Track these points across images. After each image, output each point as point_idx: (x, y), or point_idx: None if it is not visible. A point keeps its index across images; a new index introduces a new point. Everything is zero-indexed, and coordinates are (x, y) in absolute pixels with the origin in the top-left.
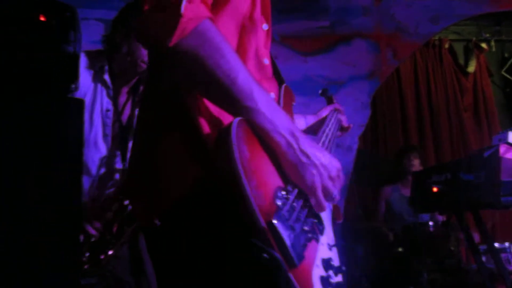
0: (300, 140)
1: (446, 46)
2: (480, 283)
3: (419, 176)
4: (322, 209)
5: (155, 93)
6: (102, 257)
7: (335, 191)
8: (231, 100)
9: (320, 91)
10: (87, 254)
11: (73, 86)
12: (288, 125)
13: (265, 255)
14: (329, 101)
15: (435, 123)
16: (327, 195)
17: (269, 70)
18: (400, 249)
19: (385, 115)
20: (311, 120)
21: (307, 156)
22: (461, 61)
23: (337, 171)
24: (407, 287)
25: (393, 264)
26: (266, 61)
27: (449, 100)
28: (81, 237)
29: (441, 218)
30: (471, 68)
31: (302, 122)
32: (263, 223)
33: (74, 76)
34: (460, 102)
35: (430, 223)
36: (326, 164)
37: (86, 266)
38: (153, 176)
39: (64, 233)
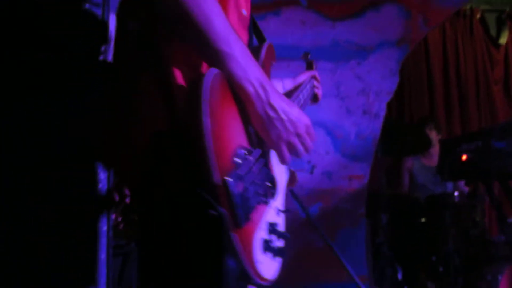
0: (270, 93)
1: (478, 16)
2: (505, 255)
3: (447, 144)
4: (285, 163)
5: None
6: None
7: (301, 148)
8: (207, 40)
9: (302, 55)
10: (120, 218)
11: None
12: (259, 76)
13: (212, 211)
14: (308, 67)
15: (463, 95)
16: (293, 151)
17: (246, 22)
18: (423, 220)
19: (411, 83)
20: (289, 84)
21: (275, 110)
22: (493, 32)
23: (305, 128)
24: (429, 256)
25: (416, 233)
26: (245, 12)
27: (479, 72)
28: (116, 197)
29: (464, 188)
30: (503, 40)
31: (279, 85)
32: (217, 179)
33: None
34: (490, 74)
35: (455, 193)
36: (293, 120)
37: (120, 227)
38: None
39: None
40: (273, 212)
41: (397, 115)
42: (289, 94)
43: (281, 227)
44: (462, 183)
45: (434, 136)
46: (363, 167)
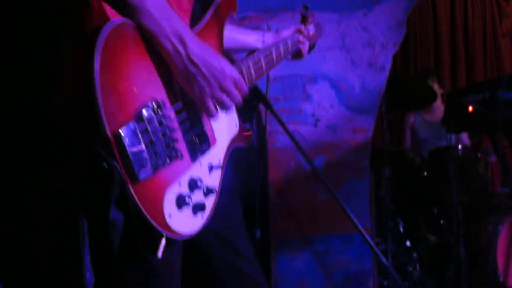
0: (190, 47)
1: None
2: (507, 206)
3: (454, 95)
4: (212, 118)
5: None
6: None
7: (228, 102)
8: None
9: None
10: None
11: None
12: (178, 29)
13: (104, 164)
14: (303, 20)
15: (470, 47)
16: (220, 105)
17: None
18: (425, 173)
19: (417, 35)
20: (270, 39)
21: (195, 65)
22: None
23: (231, 81)
24: (431, 209)
25: (419, 187)
26: None
27: (486, 24)
28: None
29: (467, 142)
30: None
31: (259, 39)
32: (108, 131)
33: None
34: (498, 27)
35: (459, 146)
36: (217, 75)
37: None
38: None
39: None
40: (200, 168)
41: (402, 68)
42: (259, 50)
43: (211, 183)
44: (465, 136)
45: (436, 88)
46: (367, 120)
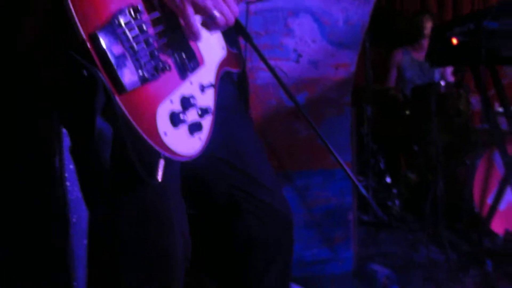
0: None
1: None
2: (488, 142)
3: (440, 29)
4: (193, 34)
5: None
6: None
7: (219, 17)
8: None
9: None
10: None
11: None
12: None
13: (84, 71)
14: None
15: None
16: (210, 21)
17: None
18: (407, 112)
19: None
20: None
21: None
22: None
23: None
24: (411, 146)
25: (400, 125)
26: None
27: None
28: None
29: (450, 78)
30: None
31: None
32: (82, 33)
33: None
34: None
35: (442, 82)
36: None
37: None
38: None
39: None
40: (190, 86)
41: (387, 3)
42: None
43: (205, 103)
44: (448, 73)
45: (429, 27)
46: (350, 55)
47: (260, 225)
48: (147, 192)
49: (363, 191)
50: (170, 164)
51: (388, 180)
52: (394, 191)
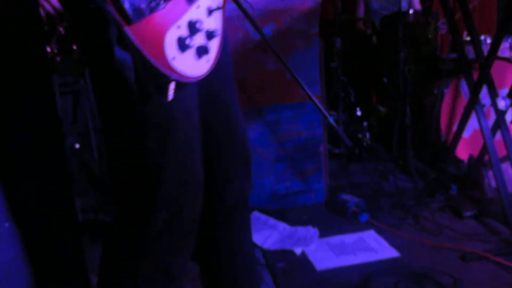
0: None
1: None
2: (456, 71)
3: None
4: None
5: None
6: (74, 47)
7: None
8: None
9: None
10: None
11: None
12: None
13: (92, 5)
14: None
15: None
16: None
17: None
18: (376, 42)
19: None
20: None
21: None
22: None
23: None
24: (381, 78)
25: (370, 57)
26: None
27: None
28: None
29: (418, 7)
30: None
31: None
32: None
33: None
34: None
35: (410, 11)
36: None
37: (58, 59)
38: None
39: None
40: (197, 10)
41: None
42: None
43: (212, 26)
44: (416, 2)
45: None
46: None
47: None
48: (170, 106)
49: (332, 122)
50: (183, 85)
51: (359, 113)
52: (365, 123)
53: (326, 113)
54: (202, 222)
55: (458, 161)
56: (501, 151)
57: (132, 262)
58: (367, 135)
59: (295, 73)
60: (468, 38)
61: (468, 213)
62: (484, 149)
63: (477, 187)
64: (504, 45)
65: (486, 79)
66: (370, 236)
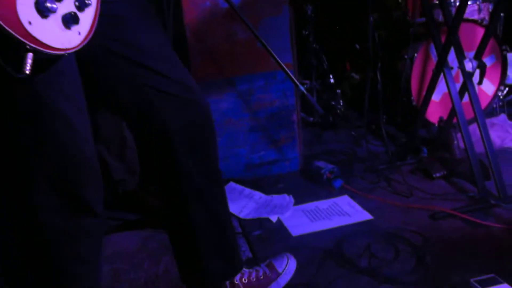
0: None
1: None
2: (425, 35)
3: None
4: None
5: None
6: None
7: None
8: None
9: None
10: None
11: None
12: None
13: None
14: None
15: None
16: None
17: None
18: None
19: None
20: None
21: None
22: None
23: None
24: (354, 45)
25: (341, 22)
26: None
27: None
28: None
29: None
30: None
31: None
32: None
33: None
34: None
35: None
36: None
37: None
38: None
39: None
40: None
41: None
42: None
43: None
44: None
45: None
46: None
47: (174, 118)
48: (36, 83)
49: (303, 89)
50: (52, 60)
51: (332, 80)
52: (338, 91)
53: (296, 80)
54: (173, 202)
55: (429, 124)
56: (471, 113)
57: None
58: (341, 102)
59: (265, 42)
60: (436, 1)
61: (438, 174)
62: (453, 112)
63: (447, 149)
64: (473, 7)
65: (453, 41)
66: (344, 201)
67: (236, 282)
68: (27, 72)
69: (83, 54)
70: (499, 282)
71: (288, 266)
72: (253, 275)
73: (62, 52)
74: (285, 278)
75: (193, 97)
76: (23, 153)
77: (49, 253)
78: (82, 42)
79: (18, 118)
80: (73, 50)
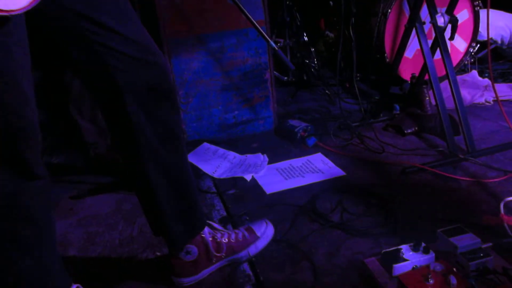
0: None
1: None
2: None
3: None
4: None
5: None
6: None
7: None
8: None
9: None
10: None
11: None
12: None
13: None
14: None
15: None
16: None
17: None
18: None
19: None
20: None
21: None
22: None
23: None
24: (328, 1)
25: None
26: None
27: None
28: None
29: None
30: None
31: None
32: None
33: None
34: None
35: None
36: None
37: None
38: None
39: None
40: None
41: None
42: None
43: None
44: None
45: None
46: None
47: (127, 77)
48: None
49: (273, 44)
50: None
51: (306, 38)
52: (312, 49)
53: (267, 37)
54: (130, 163)
55: (402, 81)
56: (443, 70)
57: None
58: (315, 61)
59: None
60: None
61: (409, 130)
62: (425, 68)
63: (419, 105)
64: None
65: None
66: (317, 158)
67: (219, 240)
68: None
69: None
70: (464, 232)
71: (266, 231)
72: (233, 236)
73: (6, 14)
74: (262, 242)
75: (150, 58)
76: None
77: None
78: (30, 3)
79: None
80: (19, 12)
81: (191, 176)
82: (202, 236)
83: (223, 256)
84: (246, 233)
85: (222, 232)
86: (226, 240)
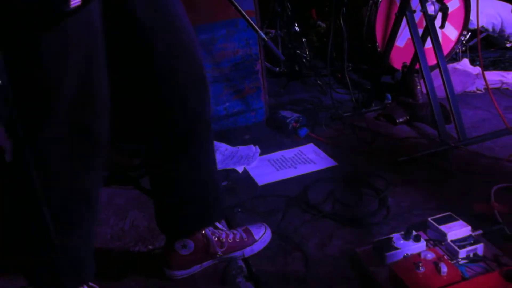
0: None
1: None
2: None
3: None
4: None
5: None
6: None
7: None
8: None
9: None
10: None
11: None
12: None
13: None
14: None
15: None
16: None
17: None
18: None
19: None
20: None
21: None
22: None
23: None
24: None
25: None
26: None
27: None
28: None
29: None
30: None
31: None
32: None
33: None
34: None
35: None
36: None
37: None
38: None
39: None
40: None
41: None
42: None
43: None
44: None
45: None
46: None
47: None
48: (68, 25)
49: (262, 35)
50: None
51: (297, 29)
52: (304, 40)
53: (256, 27)
54: (156, 151)
55: (394, 70)
56: (434, 59)
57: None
58: (306, 51)
59: None
60: None
61: (401, 119)
62: (416, 57)
63: (410, 94)
64: None
65: None
66: (309, 149)
67: (222, 239)
68: (72, 4)
69: None
70: (455, 219)
71: (264, 235)
72: (230, 236)
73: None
74: (259, 246)
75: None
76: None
77: (55, 187)
78: None
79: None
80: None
81: (215, 163)
82: (203, 233)
83: (219, 255)
84: (244, 234)
85: (224, 232)
86: (224, 239)
